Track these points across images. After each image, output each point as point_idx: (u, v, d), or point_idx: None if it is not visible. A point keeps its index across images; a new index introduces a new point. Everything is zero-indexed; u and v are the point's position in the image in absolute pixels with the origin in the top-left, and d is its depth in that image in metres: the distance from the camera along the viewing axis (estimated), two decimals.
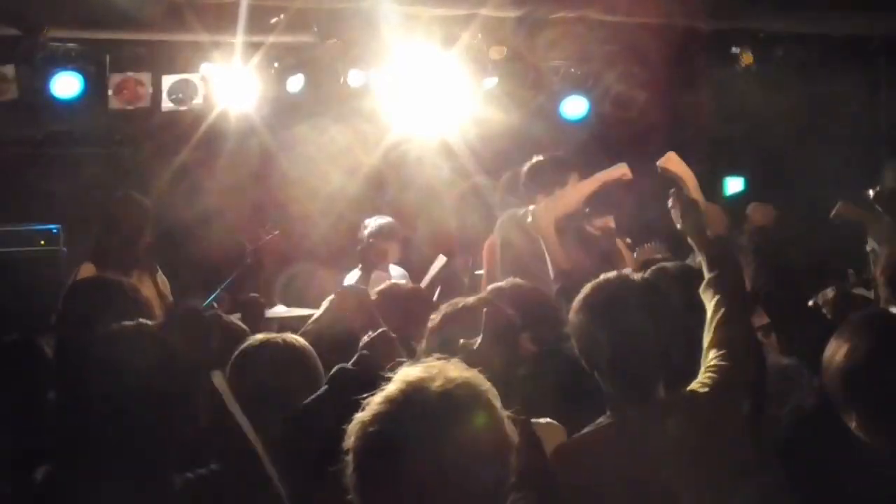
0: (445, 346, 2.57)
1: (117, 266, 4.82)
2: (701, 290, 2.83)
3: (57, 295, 3.64)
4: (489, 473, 1.78)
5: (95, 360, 2.14)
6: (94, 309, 2.57)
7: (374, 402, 1.79)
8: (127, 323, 2.24)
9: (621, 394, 2.60)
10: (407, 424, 1.74)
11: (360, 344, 2.70)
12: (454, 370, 1.84)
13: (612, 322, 2.57)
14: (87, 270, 4.86)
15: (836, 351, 2.22)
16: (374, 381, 1.86)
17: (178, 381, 2.16)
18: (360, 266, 5.51)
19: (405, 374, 1.82)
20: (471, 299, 2.94)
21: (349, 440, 1.78)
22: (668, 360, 2.58)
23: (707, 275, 2.83)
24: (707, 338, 2.73)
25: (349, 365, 2.57)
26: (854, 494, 2.25)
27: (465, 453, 1.75)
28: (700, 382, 2.66)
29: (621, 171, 4.41)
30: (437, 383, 1.79)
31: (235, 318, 3.93)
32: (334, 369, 2.59)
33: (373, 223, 5.71)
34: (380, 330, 2.73)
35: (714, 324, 2.72)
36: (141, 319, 2.31)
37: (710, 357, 2.69)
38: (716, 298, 2.75)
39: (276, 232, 5.93)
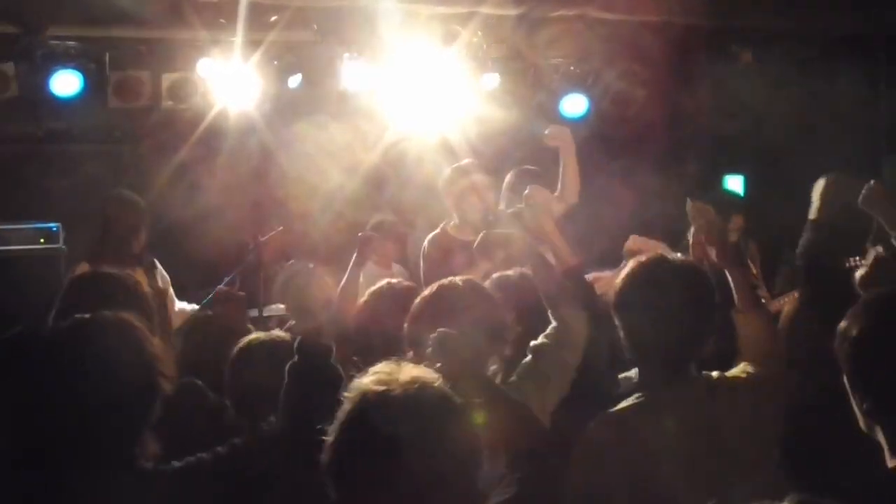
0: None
1: (112, 264, 4.81)
2: None
3: (56, 293, 3.63)
4: (479, 471, 1.80)
5: (58, 351, 2.14)
6: (94, 303, 2.56)
7: (350, 401, 1.81)
8: (83, 315, 2.23)
9: (655, 372, 2.65)
10: (401, 424, 1.76)
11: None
12: (423, 373, 1.86)
13: (651, 301, 2.61)
14: (82, 269, 4.87)
15: (850, 327, 2.08)
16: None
17: (145, 369, 2.15)
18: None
19: (384, 374, 1.83)
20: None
21: (334, 435, 1.79)
22: (700, 342, 2.62)
23: None
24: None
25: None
26: (858, 489, 2.23)
27: (459, 452, 1.77)
28: (734, 374, 2.70)
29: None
30: (417, 385, 1.81)
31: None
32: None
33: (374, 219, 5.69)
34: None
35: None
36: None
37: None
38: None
39: (280, 228, 5.79)
